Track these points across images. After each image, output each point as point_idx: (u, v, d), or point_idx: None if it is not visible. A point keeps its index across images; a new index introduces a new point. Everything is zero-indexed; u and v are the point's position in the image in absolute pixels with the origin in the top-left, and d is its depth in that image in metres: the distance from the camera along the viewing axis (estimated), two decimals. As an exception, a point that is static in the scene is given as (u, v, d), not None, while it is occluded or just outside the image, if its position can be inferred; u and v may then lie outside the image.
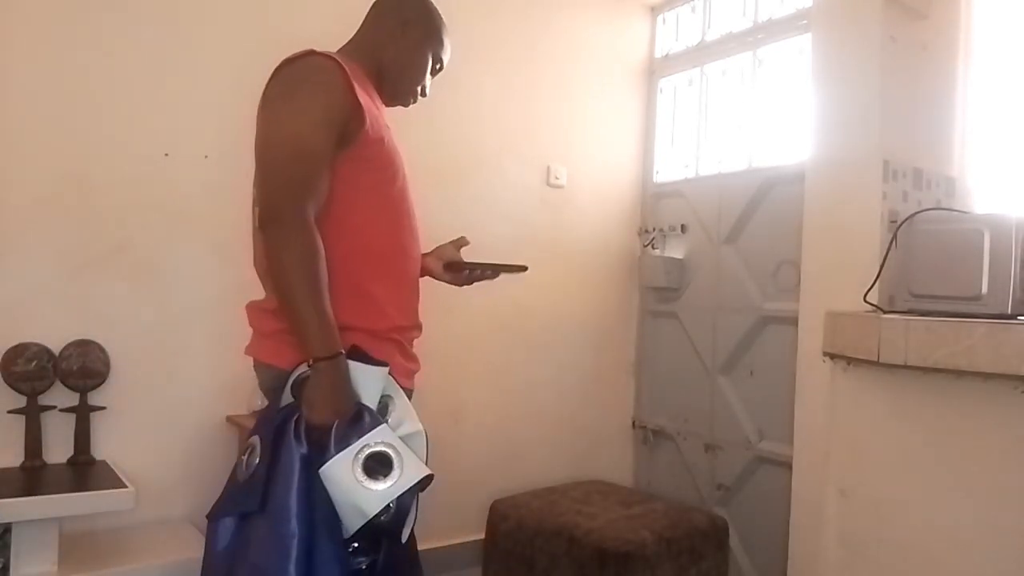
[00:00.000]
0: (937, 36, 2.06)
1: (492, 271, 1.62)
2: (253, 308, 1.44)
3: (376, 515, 1.24)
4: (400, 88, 1.57)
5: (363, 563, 1.32)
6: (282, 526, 1.23)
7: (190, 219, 2.22)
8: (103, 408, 2.08)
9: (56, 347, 2.02)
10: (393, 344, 1.43)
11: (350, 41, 1.56)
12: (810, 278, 2.06)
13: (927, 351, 1.53)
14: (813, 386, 1.97)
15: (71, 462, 2.03)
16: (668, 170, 3.19)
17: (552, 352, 2.97)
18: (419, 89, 1.60)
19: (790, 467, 2.10)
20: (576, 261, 3.04)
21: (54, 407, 2.02)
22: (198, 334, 2.23)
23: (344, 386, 1.28)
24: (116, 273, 2.12)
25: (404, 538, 1.34)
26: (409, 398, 1.42)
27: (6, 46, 1.98)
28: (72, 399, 2.04)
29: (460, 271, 1.63)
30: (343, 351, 1.29)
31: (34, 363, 1.98)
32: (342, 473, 1.23)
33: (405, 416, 1.36)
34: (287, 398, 1.34)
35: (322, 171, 1.32)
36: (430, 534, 2.38)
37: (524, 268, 1.62)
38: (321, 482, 1.24)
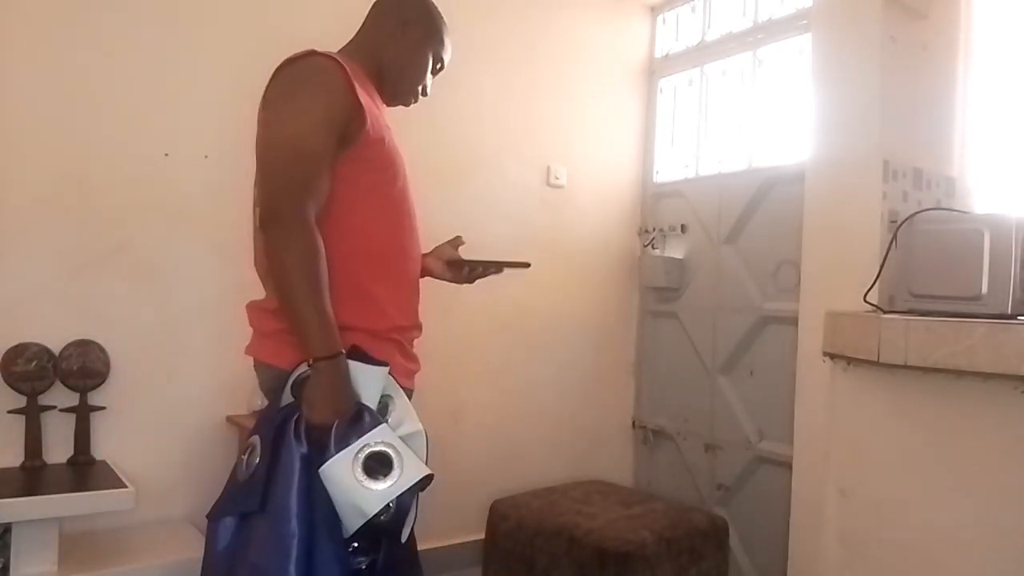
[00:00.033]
0: (937, 36, 2.06)
1: (496, 268, 1.62)
2: (253, 308, 1.44)
3: (376, 515, 1.24)
4: (400, 88, 1.57)
5: (363, 563, 1.32)
6: (282, 526, 1.23)
7: (190, 219, 2.22)
8: (103, 408, 2.08)
9: (56, 347, 2.02)
10: (393, 344, 1.43)
11: (351, 41, 1.56)
12: (810, 278, 2.06)
13: (927, 351, 1.53)
14: (813, 386, 1.97)
15: (71, 462, 2.03)
16: (668, 170, 3.19)
17: (552, 352, 2.97)
18: (420, 89, 1.60)
19: (790, 467, 2.10)
20: (576, 261, 3.04)
21: (54, 407, 2.02)
22: (198, 334, 2.23)
23: (344, 386, 1.28)
24: (116, 273, 2.12)
25: (404, 538, 1.34)
26: (409, 398, 1.42)
27: (6, 46, 1.98)
28: (72, 399, 2.04)
29: (461, 268, 1.63)
30: (343, 351, 1.29)
31: (34, 363, 1.98)
32: (342, 473, 1.23)
33: (405, 416, 1.36)
34: (287, 398, 1.34)
35: (323, 171, 1.32)
36: (430, 534, 2.38)
37: (527, 265, 1.61)
38: (321, 482, 1.24)
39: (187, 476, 2.20)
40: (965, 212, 1.87)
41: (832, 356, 1.84)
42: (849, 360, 1.79)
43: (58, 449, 2.03)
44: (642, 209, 3.23)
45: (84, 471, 1.99)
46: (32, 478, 1.92)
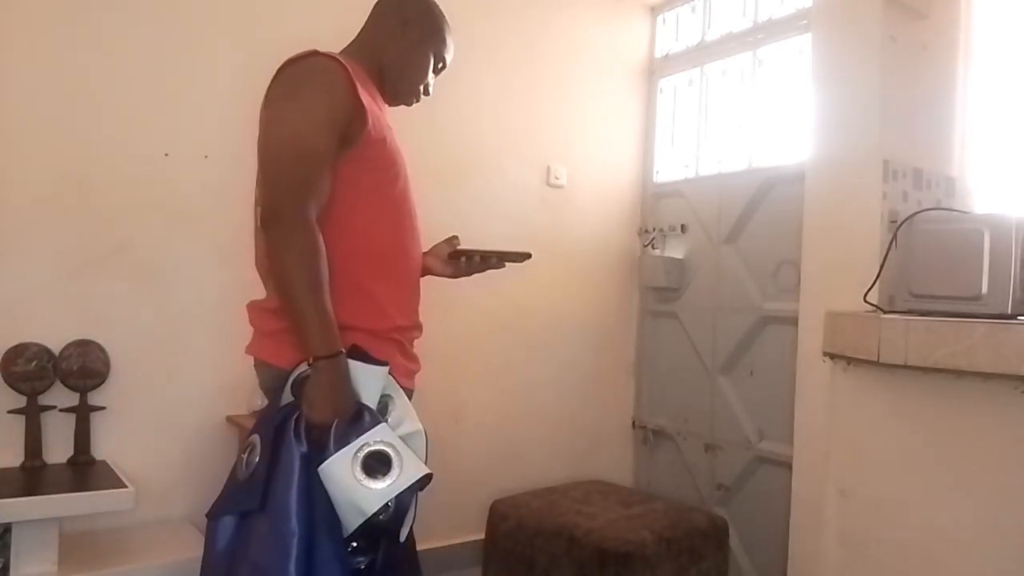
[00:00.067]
0: (937, 36, 2.06)
1: (496, 258, 1.60)
2: (254, 307, 1.45)
3: (375, 514, 1.24)
4: (401, 88, 1.57)
5: (362, 563, 1.32)
6: (282, 525, 1.23)
7: (190, 219, 2.22)
8: (103, 408, 2.08)
9: (56, 347, 2.02)
10: (393, 344, 1.44)
11: (352, 42, 1.56)
12: (810, 278, 2.06)
13: (927, 351, 1.53)
14: (813, 386, 1.97)
15: (71, 462, 2.03)
16: (668, 170, 3.19)
17: (552, 352, 2.97)
18: (421, 88, 1.60)
19: (790, 467, 2.10)
20: (576, 261, 3.04)
21: (54, 407, 2.02)
22: (198, 334, 2.23)
23: (344, 385, 1.28)
24: (116, 273, 2.12)
25: (403, 537, 1.34)
26: (410, 398, 1.42)
27: (6, 46, 1.98)
28: (72, 399, 2.04)
29: (459, 259, 1.61)
30: (343, 350, 1.29)
31: (34, 363, 1.98)
32: (341, 472, 1.23)
33: (405, 415, 1.36)
34: (287, 397, 1.34)
35: (324, 171, 1.32)
36: (430, 534, 2.38)
37: (528, 255, 1.59)
38: (321, 481, 1.25)
39: (187, 476, 2.20)
40: (965, 212, 1.87)
41: (832, 356, 1.84)
42: (849, 360, 1.79)
43: (58, 449, 2.03)
44: (642, 209, 3.23)
45: (84, 471, 1.99)
46: (32, 478, 1.92)
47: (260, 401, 1.86)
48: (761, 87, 2.80)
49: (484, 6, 2.73)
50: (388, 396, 1.36)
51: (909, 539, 1.68)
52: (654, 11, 3.24)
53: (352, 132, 1.35)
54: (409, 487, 1.26)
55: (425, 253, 1.64)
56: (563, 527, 2.37)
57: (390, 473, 1.24)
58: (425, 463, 1.32)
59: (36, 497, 1.77)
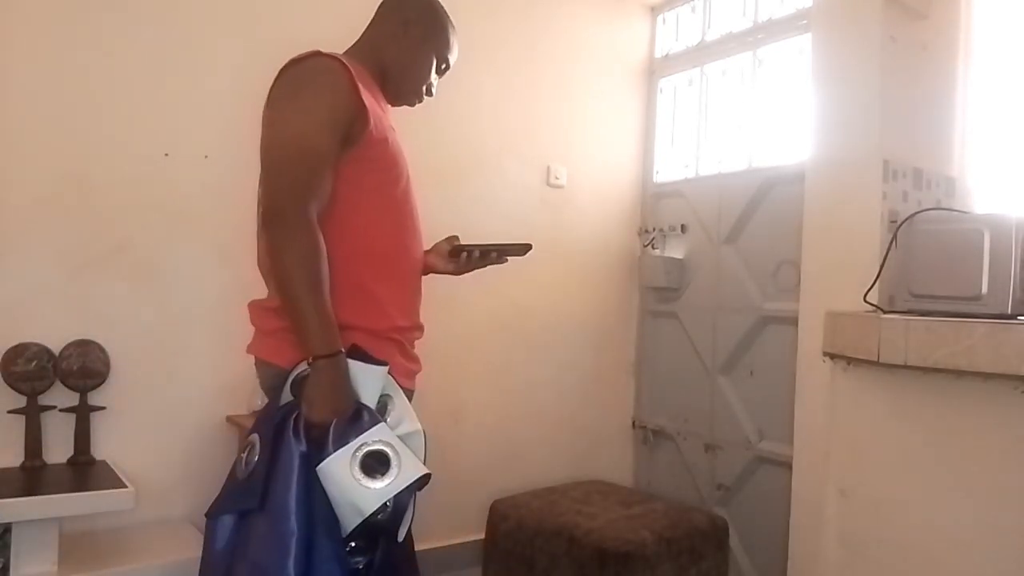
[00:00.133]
0: (937, 36, 2.06)
1: (497, 253, 1.60)
2: (255, 307, 1.45)
3: (373, 513, 1.24)
4: (403, 88, 1.57)
5: (360, 562, 1.33)
6: (281, 524, 1.23)
7: (190, 219, 2.21)
8: (103, 408, 2.08)
9: (56, 347, 2.02)
10: (393, 344, 1.44)
11: (356, 42, 1.57)
12: (810, 278, 2.06)
13: (927, 351, 1.53)
14: (813, 386, 1.97)
15: (71, 462, 2.03)
16: (668, 170, 3.19)
17: (552, 352, 2.97)
18: (424, 89, 1.60)
19: (790, 467, 2.10)
20: (576, 261, 3.04)
21: (54, 407, 2.02)
22: (198, 334, 2.23)
23: (343, 384, 1.28)
24: (116, 273, 2.12)
25: (401, 537, 1.34)
26: (410, 399, 1.42)
27: (6, 46, 1.98)
28: (72, 399, 2.04)
29: (459, 255, 1.60)
30: (343, 350, 1.29)
31: (34, 363, 1.98)
32: (340, 471, 1.23)
33: (404, 415, 1.36)
34: (287, 396, 1.34)
35: (325, 171, 1.32)
36: (430, 534, 2.38)
37: (528, 247, 1.57)
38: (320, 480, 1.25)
39: (187, 476, 2.19)
40: (965, 212, 1.87)
41: (832, 356, 1.84)
42: (849, 360, 1.79)
43: (58, 449, 2.03)
44: (642, 209, 3.23)
45: (84, 471, 1.99)
46: (32, 478, 1.92)
47: (260, 401, 1.86)
48: (761, 87, 2.80)
49: (484, 6, 2.73)
50: (387, 396, 1.36)
51: (909, 539, 1.68)
52: (654, 11, 3.24)
53: (354, 132, 1.35)
54: (407, 487, 1.26)
55: (426, 251, 1.64)
56: (563, 527, 2.37)
57: (388, 473, 1.24)
58: (424, 463, 1.32)
59: (36, 497, 1.77)
